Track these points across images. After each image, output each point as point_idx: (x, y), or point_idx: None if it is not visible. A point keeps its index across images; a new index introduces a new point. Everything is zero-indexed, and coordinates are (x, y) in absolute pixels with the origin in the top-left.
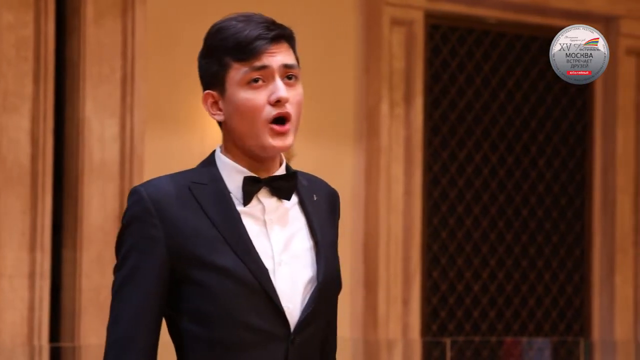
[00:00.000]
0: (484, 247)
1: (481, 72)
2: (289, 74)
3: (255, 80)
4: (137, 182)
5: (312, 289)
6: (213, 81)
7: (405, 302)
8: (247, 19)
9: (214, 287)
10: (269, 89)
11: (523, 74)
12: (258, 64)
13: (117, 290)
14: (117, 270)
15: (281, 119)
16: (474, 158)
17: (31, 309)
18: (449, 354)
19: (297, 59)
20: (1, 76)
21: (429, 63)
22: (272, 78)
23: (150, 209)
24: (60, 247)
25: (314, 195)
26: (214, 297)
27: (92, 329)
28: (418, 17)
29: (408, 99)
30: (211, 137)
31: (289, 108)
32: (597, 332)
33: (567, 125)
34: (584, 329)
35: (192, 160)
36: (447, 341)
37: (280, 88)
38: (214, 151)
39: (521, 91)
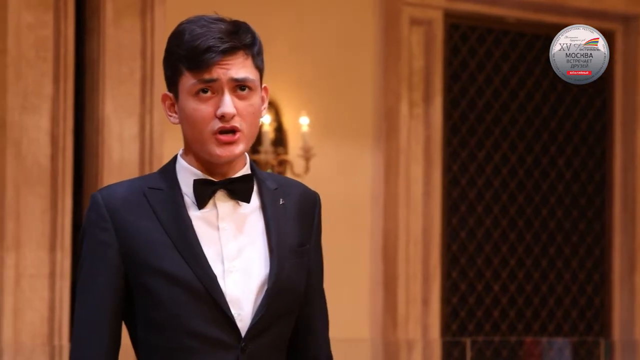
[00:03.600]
0: (503, 247)
1: (500, 72)
2: (241, 86)
3: (204, 91)
4: None
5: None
6: (169, 84)
7: (425, 302)
8: (208, 24)
9: (161, 293)
10: (217, 102)
11: (542, 74)
12: (207, 76)
13: (78, 293)
14: (78, 274)
15: (228, 130)
16: (493, 158)
17: (51, 309)
18: (468, 354)
19: (257, 67)
20: (21, 76)
21: (448, 63)
22: (222, 91)
23: (104, 214)
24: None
25: (281, 199)
26: (161, 304)
27: None
28: (437, 17)
29: (427, 98)
30: None
31: (237, 121)
32: (617, 332)
33: (586, 125)
34: (604, 329)
35: None
36: (467, 341)
37: (226, 104)
38: (176, 154)
39: (540, 91)
